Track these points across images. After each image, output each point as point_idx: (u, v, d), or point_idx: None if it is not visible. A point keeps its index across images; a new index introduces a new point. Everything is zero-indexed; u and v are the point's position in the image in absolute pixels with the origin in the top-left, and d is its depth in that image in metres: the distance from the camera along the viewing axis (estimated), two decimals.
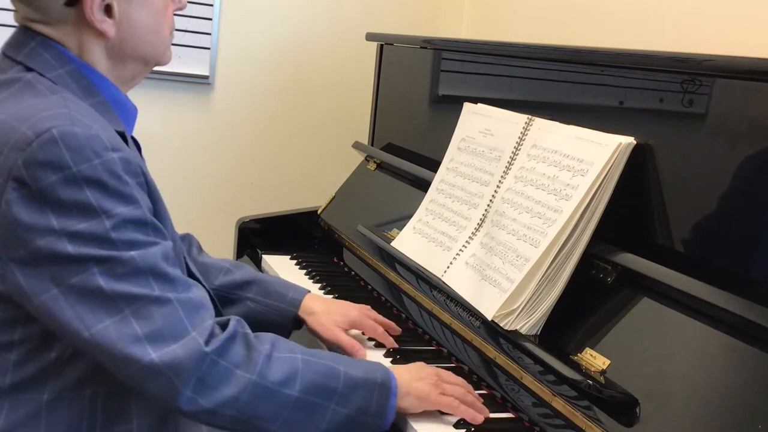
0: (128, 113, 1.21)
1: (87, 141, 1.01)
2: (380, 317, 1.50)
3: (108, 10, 1.12)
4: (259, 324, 1.45)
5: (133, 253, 1.02)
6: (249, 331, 1.11)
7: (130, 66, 1.19)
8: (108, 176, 1.02)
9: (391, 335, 1.48)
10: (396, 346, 1.47)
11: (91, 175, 1.00)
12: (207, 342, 1.04)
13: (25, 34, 1.13)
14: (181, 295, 1.05)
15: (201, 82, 2.62)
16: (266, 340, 1.12)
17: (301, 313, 1.47)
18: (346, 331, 1.44)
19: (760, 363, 1.04)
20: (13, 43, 1.14)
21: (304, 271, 1.91)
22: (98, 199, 1.01)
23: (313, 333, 1.46)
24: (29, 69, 1.10)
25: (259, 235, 2.15)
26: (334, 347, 1.43)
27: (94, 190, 1.01)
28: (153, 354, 1.01)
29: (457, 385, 1.25)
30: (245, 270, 1.52)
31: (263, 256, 2.03)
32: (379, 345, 1.48)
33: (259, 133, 2.73)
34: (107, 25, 1.13)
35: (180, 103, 2.61)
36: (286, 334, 1.47)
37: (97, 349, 1.01)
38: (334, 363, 1.14)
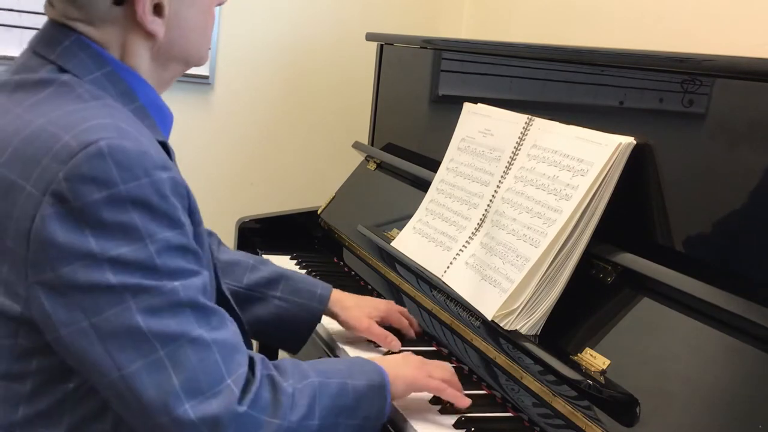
0: (165, 118, 1.15)
1: (137, 157, 0.93)
2: (405, 311, 1.57)
3: (157, 9, 1.05)
4: (286, 321, 1.46)
5: (176, 284, 0.95)
6: (272, 371, 1.04)
7: (171, 67, 1.13)
8: (156, 198, 0.94)
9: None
10: (413, 336, 1.55)
11: (139, 195, 0.93)
12: (243, 392, 0.98)
13: (58, 30, 1.04)
14: (219, 336, 0.98)
15: (201, 82, 2.61)
16: (287, 372, 1.06)
17: (333, 308, 1.49)
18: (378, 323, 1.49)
19: (760, 363, 1.04)
20: (44, 39, 1.05)
21: (305, 271, 1.91)
22: (144, 221, 0.93)
23: (347, 326, 1.50)
24: (63, 70, 1.02)
25: (259, 235, 2.15)
26: (365, 338, 1.50)
27: (140, 212, 0.93)
28: (187, 405, 0.93)
29: (442, 368, 1.26)
30: (270, 266, 1.51)
31: (263, 256, 2.03)
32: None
33: (259, 133, 2.73)
34: (157, 26, 1.05)
35: (180, 103, 2.60)
36: (311, 329, 1.49)
37: (126, 393, 0.93)
38: (342, 378, 1.11)
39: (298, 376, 1.07)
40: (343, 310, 1.49)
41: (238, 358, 1.00)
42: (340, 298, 1.50)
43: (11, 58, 2.22)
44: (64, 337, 0.93)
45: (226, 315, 1.03)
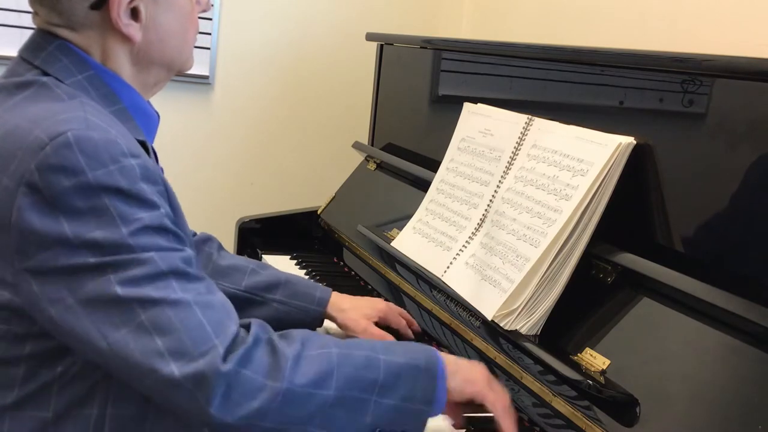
0: (149, 121, 1.16)
1: (104, 146, 0.97)
2: (404, 312, 1.56)
3: (134, 13, 1.09)
4: (286, 324, 1.41)
5: (152, 253, 0.97)
6: (273, 335, 1.03)
7: (154, 72, 1.15)
8: (126, 182, 0.97)
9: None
10: (411, 336, 1.53)
11: (107, 182, 0.96)
12: (230, 350, 0.97)
13: (43, 37, 1.09)
14: (203, 298, 0.99)
15: (201, 82, 2.62)
16: (296, 338, 1.04)
17: (331, 311, 1.49)
18: (376, 324, 1.48)
19: (760, 363, 1.04)
20: (30, 46, 1.09)
21: (304, 271, 1.92)
22: (116, 205, 0.96)
23: (345, 328, 1.49)
24: (46, 74, 1.06)
25: (259, 235, 2.15)
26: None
27: (111, 196, 0.96)
28: (173, 365, 0.94)
29: (504, 392, 1.18)
30: (270, 270, 1.51)
31: (263, 256, 2.03)
32: None
33: (259, 133, 2.74)
34: (133, 29, 1.09)
35: (180, 103, 2.61)
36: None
37: (117, 361, 0.96)
38: (372, 352, 1.06)
39: (313, 345, 1.05)
40: (340, 313, 1.49)
41: (226, 321, 1.00)
42: (337, 301, 1.50)
43: (11, 58, 2.22)
44: (54, 317, 0.97)
45: (214, 285, 1.04)
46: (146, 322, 0.95)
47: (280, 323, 1.42)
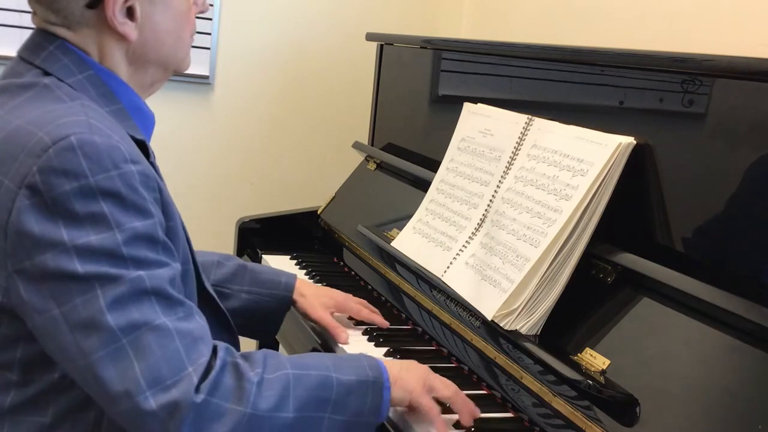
0: (146, 120, 1.17)
1: (106, 151, 0.98)
2: (364, 302, 1.59)
3: (130, 12, 1.09)
4: (256, 312, 1.50)
5: (141, 272, 0.98)
6: (238, 359, 1.05)
7: (150, 71, 1.16)
8: (125, 189, 0.98)
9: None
10: (387, 324, 1.56)
11: (107, 186, 0.97)
12: (202, 379, 0.99)
13: (42, 37, 1.10)
14: (182, 325, 1.00)
15: (201, 82, 2.62)
16: (257, 362, 1.07)
17: (294, 295, 1.53)
18: (332, 314, 1.53)
19: (760, 363, 1.04)
20: (30, 46, 1.10)
21: (304, 271, 1.92)
22: (113, 211, 0.97)
23: (303, 313, 1.54)
24: (47, 74, 1.07)
25: (259, 235, 2.15)
26: (319, 327, 1.54)
27: (109, 202, 0.97)
28: (148, 393, 0.96)
29: (446, 386, 1.22)
30: (233, 261, 1.54)
31: (263, 256, 2.03)
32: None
33: (259, 133, 2.74)
34: (129, 28, 1.10)
35: (180, 103, 2.61)
36: (281, 317, 1.54)
37: (92, 380, 0.97)
38: (325, 371, 1.10)
39: (271, 367, 1.07)
40: (301, 298, 1.53)
41: (201, 348, 1.01)
42: (300, 287, 1.55)
43: (11, 59, 2.22)
44: (39, 325, 0.98)
45: (195, 309, 1.05)
46: (127, 346, 0.96)
47: (250, 311, 1.49)
